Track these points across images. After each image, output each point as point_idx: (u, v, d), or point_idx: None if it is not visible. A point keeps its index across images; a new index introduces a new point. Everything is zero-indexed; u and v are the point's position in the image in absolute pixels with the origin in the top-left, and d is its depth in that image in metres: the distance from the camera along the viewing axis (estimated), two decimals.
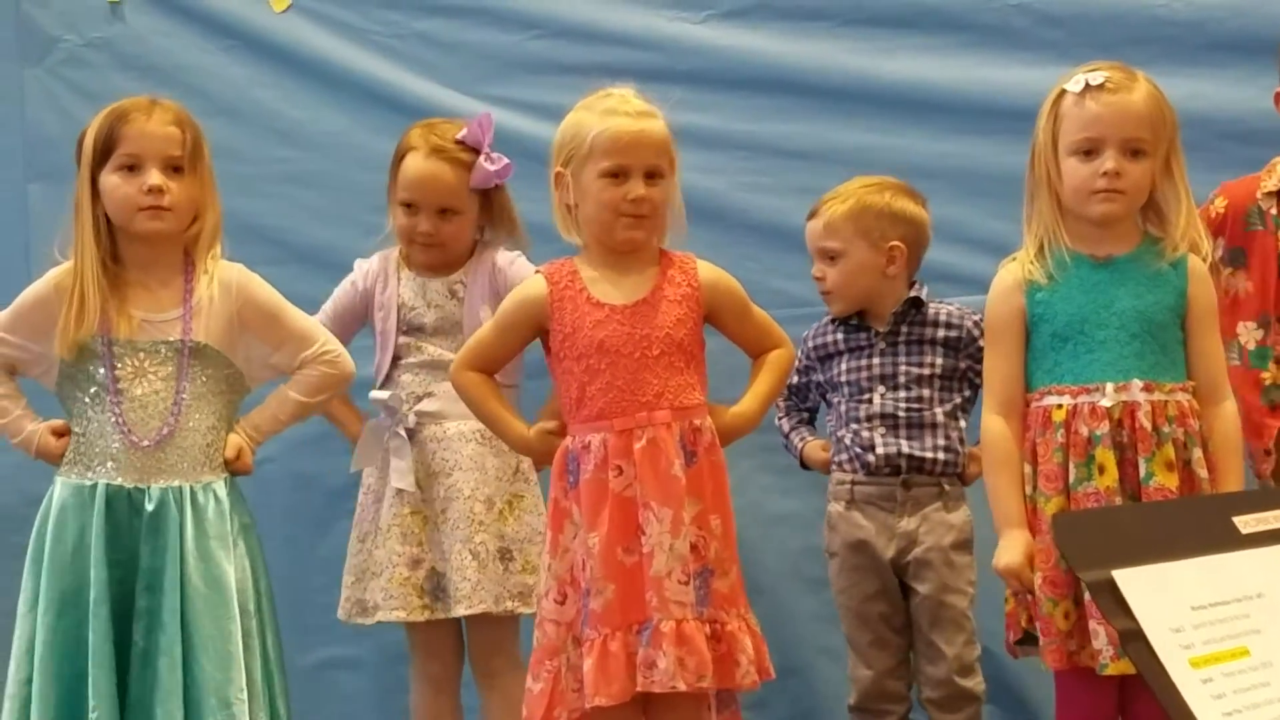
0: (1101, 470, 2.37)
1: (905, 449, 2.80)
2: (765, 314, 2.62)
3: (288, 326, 2.67)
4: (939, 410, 2.82)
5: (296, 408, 2.70)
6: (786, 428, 3.02)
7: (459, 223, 2.91)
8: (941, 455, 2.80)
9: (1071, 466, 2.39)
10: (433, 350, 2.88)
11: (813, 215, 2.92)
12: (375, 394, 2.86)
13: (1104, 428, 2.37)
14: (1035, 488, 2.43)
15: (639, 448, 2.43)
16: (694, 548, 2.44)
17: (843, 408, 2.87)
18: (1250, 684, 1.37)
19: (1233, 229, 2.75)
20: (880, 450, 2.80)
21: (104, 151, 2.54)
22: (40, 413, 2.65)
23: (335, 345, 2.72)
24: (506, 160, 2.93)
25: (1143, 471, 2.36)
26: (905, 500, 2.80)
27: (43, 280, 2.59)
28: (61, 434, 2.59)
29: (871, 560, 2.81)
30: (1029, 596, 2.41)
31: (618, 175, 2.48)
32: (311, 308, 3.27)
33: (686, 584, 2.42)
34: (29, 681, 2.47)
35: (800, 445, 2.99)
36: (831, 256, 2.87)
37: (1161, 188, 2.44)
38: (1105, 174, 2.39)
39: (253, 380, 2.67)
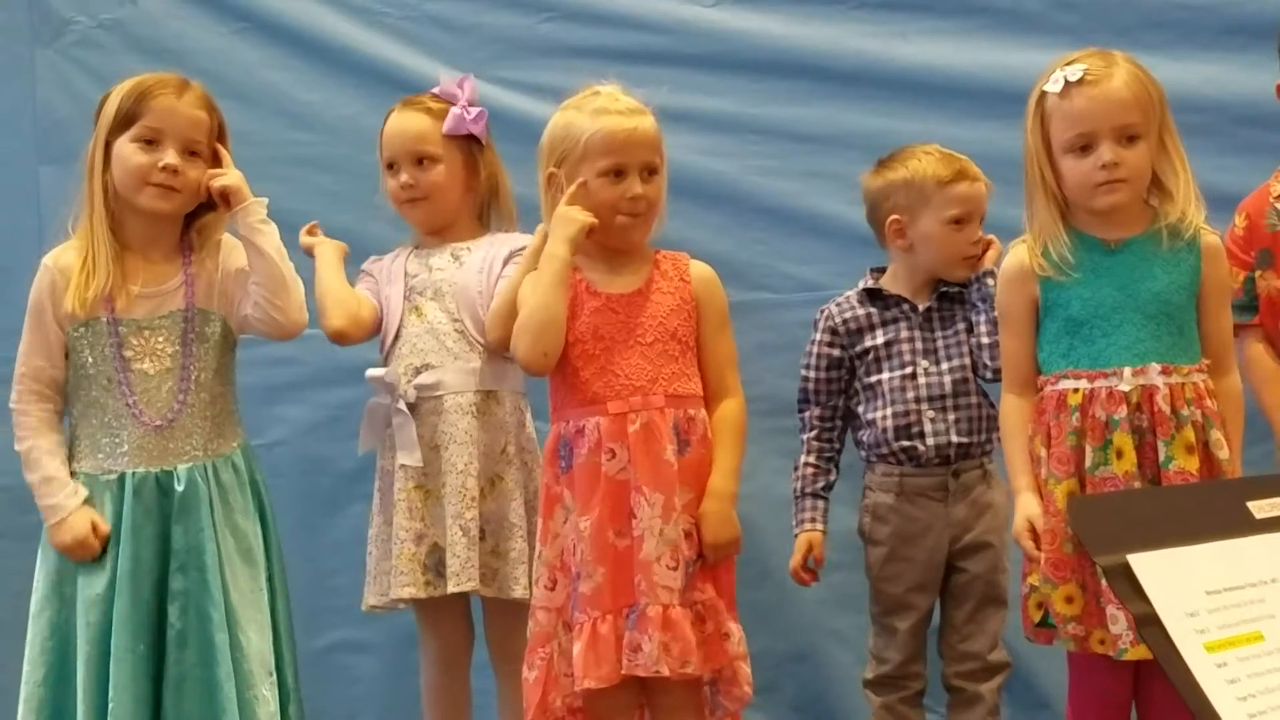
0: (1120, 455, 2.38)
1: (954, 437, 2.78)
2: (734, 350, 2.60)
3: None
4: (976, 382, 2.81)
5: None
6: (801, 485, 2.86)
7: (439, 172, 2.89)
8: (983, 437, 2.80)
9: (1088, 451, 2.39)
10: (430, 315, 2.84)
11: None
12: (372, 372, 2.83)
13: (1122, 412, 2.38)
14: (1048, 470, 2.43)
15: (633, 431, 2.45)
16: (686, 535, 2.46)
17: (884, 385, 2.82)
18: (1265, 669, 1.37)
19: (1256, 235, 2.76)
20: (931, 441, 2.78)
21: (126, 119, 2.53)
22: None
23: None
24: (480, 109, 2.94)
25: (1162, 455, 2.36)
26: (956, 489, 2.79)
27: (37, 278, 2.57)
28: (99, 534, 2.49)
29: (923, 552, 2.79)
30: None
31: (616, 174, 2.49)
32: None
33: (676, 569, 2.43)
34: (44, 683, 2.47)
35: (799, 529, 2.84)
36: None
37: (1160, 164, 2.44)
38: (1104, 166, 2.38)
39: (238, 332, 2.66)
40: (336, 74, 3.47)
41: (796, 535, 2.87)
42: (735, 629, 2.51)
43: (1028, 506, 2.44)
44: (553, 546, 2.48)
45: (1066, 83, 2.39)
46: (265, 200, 2.61)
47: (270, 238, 2.60)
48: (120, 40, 3.50)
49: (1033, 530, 2.43)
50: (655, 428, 2.46)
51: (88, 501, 2.51)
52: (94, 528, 2.49)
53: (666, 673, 2.40)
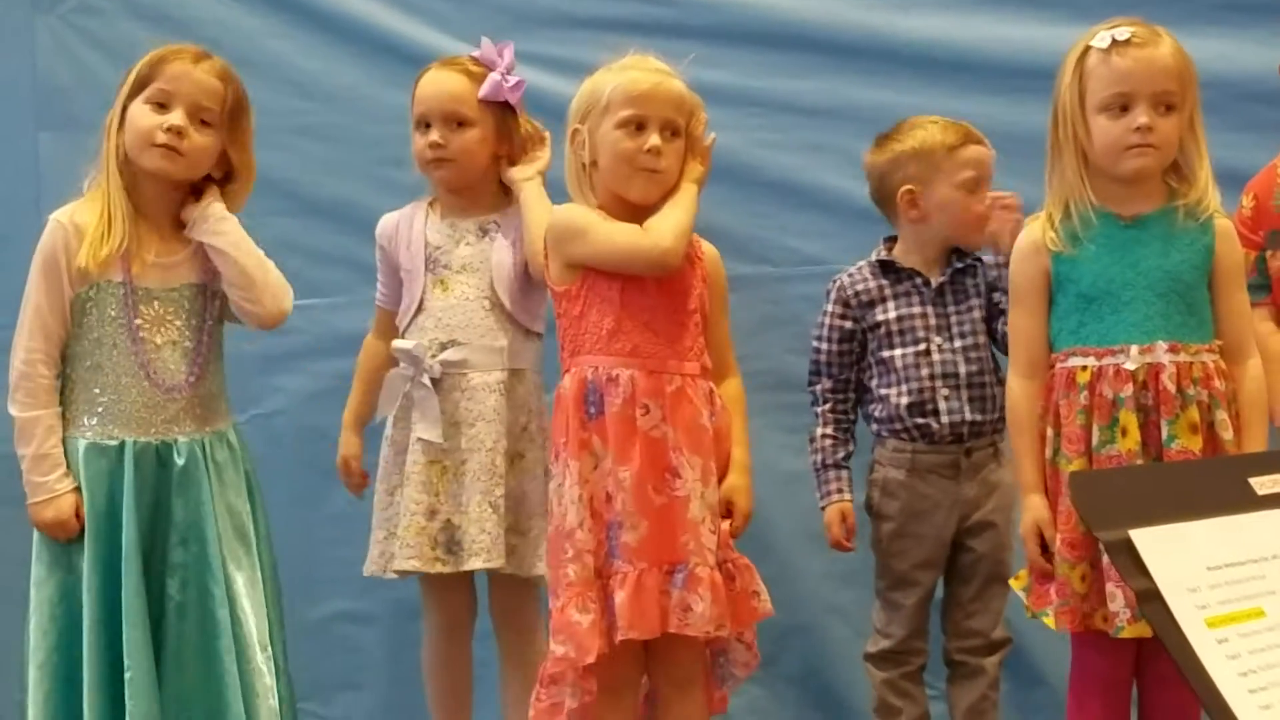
0: (1124, 433, 2.37)
1: (968, 415, 2.77)
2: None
3: None
4: (990, 360, 2.80)
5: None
6: (822, 458, 2.84)
7: (470, 136, 2.85)
8: (995, 415, 2.78)
9: (1095, 429, 2.38)
10: (457, 290, 2.82)
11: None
12: (399, 343, 2.81)
13: (1128, 390, 2.37)
14: (1058, 450, 2.43)
15: (671, 391, 2.45)
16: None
17: (898, 362, 2.80)
18: (1265, 644, 1.37)
19: (1265, 215, 2.74)
20: (945, 419, 2.76)
21: (141, 83, 2.53)
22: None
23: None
24: (520, 78, 2.89)
25: (1165, 434, 2.36)
26: (968, 468, 2.78)
27: (48, 234, 2.52)
28: (80, 518, 2.49)
29: (931, 529, 2.78)
30: (1046, 558, 2.42)
31: (637, 127, 2.48)
32: (321, 259, 3.27)
33: (714, 533, 2.46)
34: (56, 648, 2.46)
35: (826, 501, 2.84)
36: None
37: (1186, 143, 2.43)
38: (1138, 129, 2.37)
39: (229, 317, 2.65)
40: (337, 44, 3.45)
41: (824, 508, 2.84)
42: (763, 588, 2.52)
43: (1036, 509, 2.44)
44: (585, 490, 2.45)
45: (1114, 41, 2.38)
46: (217, 200, 2.57)
47: (227, 235, 2.56)
48: (120, 7, 3.48)
49: (1040, 537, 2.42)
50: (690, 393, 2.47)
51: (76, 488, 2.49)
52: (76, 512, 2.48)
53: (712, 632, 2.42)
